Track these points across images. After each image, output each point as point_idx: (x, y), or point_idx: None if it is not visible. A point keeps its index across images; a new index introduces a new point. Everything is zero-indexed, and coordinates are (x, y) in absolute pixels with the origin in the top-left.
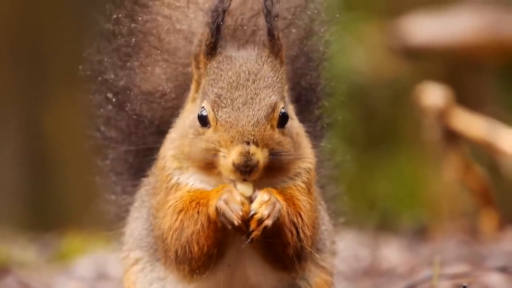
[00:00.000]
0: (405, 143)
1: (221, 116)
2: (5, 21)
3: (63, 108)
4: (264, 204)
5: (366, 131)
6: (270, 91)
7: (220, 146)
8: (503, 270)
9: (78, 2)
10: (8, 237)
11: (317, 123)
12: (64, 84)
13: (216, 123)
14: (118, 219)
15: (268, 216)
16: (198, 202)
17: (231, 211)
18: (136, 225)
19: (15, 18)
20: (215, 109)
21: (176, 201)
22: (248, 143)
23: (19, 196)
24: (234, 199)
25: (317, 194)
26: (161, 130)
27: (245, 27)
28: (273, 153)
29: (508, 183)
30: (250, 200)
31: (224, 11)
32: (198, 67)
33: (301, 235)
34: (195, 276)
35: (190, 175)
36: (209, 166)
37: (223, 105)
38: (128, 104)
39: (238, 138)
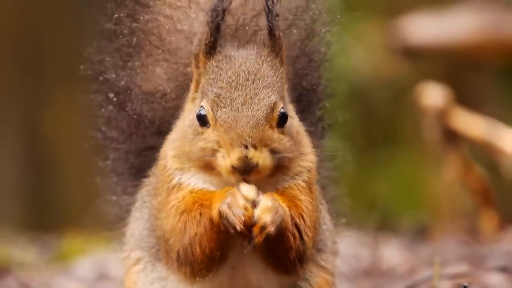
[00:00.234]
0: (405, 143)
1: (220, 116)
2: (5, 21)
3: (63, 108)
4: (267, 210)
5: (366, 131)
6: (269, 90)
7: (219, 146)
8: (503, 270)
9: (79, 2)
10: (8, 238)
11: (318, 124)
12: (64, 84)
13: (215, 123)
14: (119, 220)
15: (271, 223)
16: (201, 204)
17: (234, 215)
18: (137, 225)
19: (15, 18)
20: (214, 109)
21: (179, 202)
22: (246, 147)
23: (19, 197)
24: (237, 204)
25: (318, 193)
26: (162, 130)
27: (246, 27)
28: (272, 152)
29: (508, 183)
30: (254, 203)
31: (224, 10)
32: (197, 67)
33: (304, 237)
34: (197, 278)
35: (192, 175)
36: (208, 165)
37: (222, 105)
38: (129, 104)
39: (237, 141)
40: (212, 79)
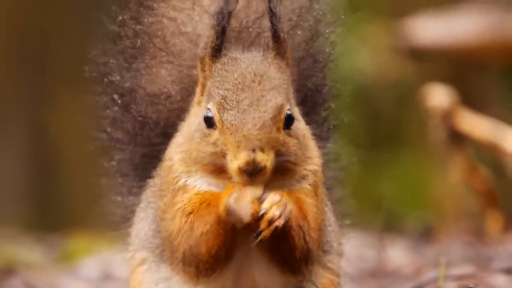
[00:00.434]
0: (410, 144)
1: (226, 119)
2: (11, 22)
3: (69, 109)
4: (275, 204)
5: (371, 132)
6: (276, 93)
7: (227, 149)
8: (508, 271)
9: (84, 4)
10: (14, 238)
11: (324, 125)
12: (70, 85)
13: (222, 125)
14: (124, 220)
15: (280, 216)
16: (208, 204)
17: (242, 208)
18: (142, 225)
19: (21, 19)
20: (221, 111)
21: (185, 204)
22: (254, 150)
23: (25, 197)
24: (244, 197)
25: (323, 196)
26: (167, 131)
27: (250, 29)
28: (279, 155)
29: None
30: (260, 201)
31: (229, 14)
32: (203, 70)
33: (307, 238)
34: (201, 278)
35: (197, 178)
36: (218, 169)
37: (228, 107)
38: (134, 106)
39: (244, 144)
40: (218, 81)
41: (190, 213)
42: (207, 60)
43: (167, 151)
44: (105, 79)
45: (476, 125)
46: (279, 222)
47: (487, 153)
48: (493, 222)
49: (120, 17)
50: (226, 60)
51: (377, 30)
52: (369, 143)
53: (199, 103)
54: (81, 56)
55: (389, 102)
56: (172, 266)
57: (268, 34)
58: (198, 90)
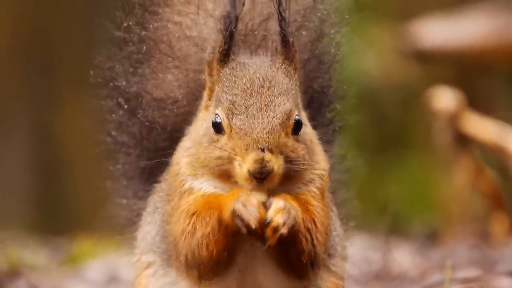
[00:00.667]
0: (416, 146)
1: (235, 124)
2: (16, 25)
3: (74, 111)
4: (279, 212)
5: (377, 135)
6: (284, 98)
7: (235, 154)
8: None
9: (89, 8)
10: (19, 240)
11: (329, 127)
12: (75, 88)
13: (231, 130)
14: (130, 223)
15: (284, 224)
16: (210, 206)
17: (249, 213)
18: (149, 229)
19: (27, 22)
20: (229, 116)
21: (190, 205)
22: (262, 150)
23: (30, 200)
24: (251, 202)
25: (329, 200)
26: (174, 136)
27: (255, 32)
28: (287, 161)
29: None
30: (265, 206)
31: (236, 18)
32: (211, 74)
33: (315, 241)
34: (203, 281)
35: (204, 181)
36: (224, 174)
37: (237, 112)
38: (140, 111)
39: (253, 145)
40: (227, 86)
41: (193, 214)
42: (215, 64)
43: (174, 156)
44: (110, 84)
45: (482, 127)
46: (284, 231)
47: (493, 155)
48: (499, 225)
49: (125, 23)
50: (234, 65)
51: (383, 32)
52: (374, 145)
53: (206, 107)
54: (86, 59)
55: (395, 105)
56: (177, 270)
57: (274, 37)
58: (205, 94)
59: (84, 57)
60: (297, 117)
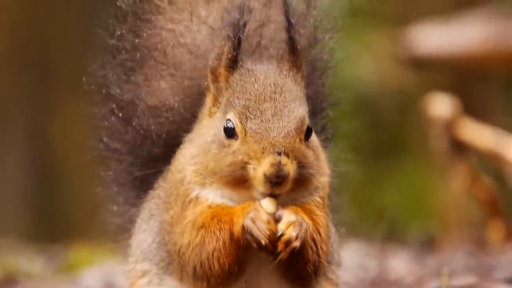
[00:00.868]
0: (412, 153)
1: (250, 128)
2: (13, 30)
3: (70, 118)
4: (291, 225)
5: (373, 141)
6: (297, 104)
7: (249, 158)
8: (510, 281)
9: (86, 14)
10: (15, 248)
11: (322, 134)
12: (71, 94)
13: (245, 135)
14: (122, 230)
15: (296, 237)
16: (220, 219)
17: (259, 230)
18: (144, 237)
19: (23, 28)
20: (243, 121)
21: (196, 217)
22: (279, 154)
23: (26, 207)
24: (260, 218)
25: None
26: (168, 143)
27: (249, 39)
28: (300, 166)
29: None
30: (274, 217)
31: (244, 24)
32: (216, 81)
33: (320, 251)
34: None
35: (211, 191)
36: (235, 180)
37: (252, 116)
38: (135, 119)
39: (269, 149)
40: (238, 92)
41: (201, 227)
42: (222, 71)
43: (174, 163)
44: (104, 92)
45: (478, 134)
46: (296, 244)
47: (489, 162)
48: (496, 232)
49: (118, 31)
50: (243, 71)
51: (380, 38)
52: (371, 151)
53: (210, 114)
54: (83, 65)
55: (392, 111)
56: (181, 280)
57: (267, 43)
58: (208, 101)
59: (80, 63)
60: (308, 123)
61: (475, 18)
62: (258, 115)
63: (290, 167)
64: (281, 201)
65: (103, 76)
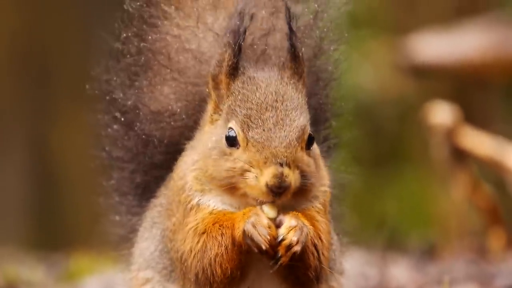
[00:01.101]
0: (412, 161)
1: (252, 137)
2: (14, 39)
3: (70, 126)
4: (292, 229)
5: (374, 149)
6: (298, 113)
7: (251, 167)
8: None
9: (87, 21)
10: (16, 257)
11: (324, 144)
12: (72, 102)
13: (247, 144)
14: (124, 239)
15: (297, 242)
16: (221, 225)
17: (259, 235)
18: (147, 245)
19: (24, 36)
20: (245, 130)
21: (198, 223)
22: (281, 165)
23: (27, 215)
24: (261, 223)
25: (329, 215)
26: (170, 150)
27: (254, 46)
28: (302, 175)
29: None
30: (275, 222)
31: (245, 31)
32: (217, 88)
33: (321, 257)
34: None
35: (211, 197)
36: (233, 187)
37: (253, 125)
38: (138, 124)
39: (272, 159)
40: (240, 100)
41: (203, 233)
42: (223, 78)
43: (176, 170)
44: (108, 97)
45: (479, 142)
46: (297, 248)
47: (490, 170)
48: (496, 240)
49: (124, 35)
50: (245, 79)
51: (380, 47)
52: (371, 160)
53: (212, 121)
54: (83, 73)
55: (392, 119)
56: (184, 287)
57: (280, 52)
58: (210, 107)
59: (80, 71)
60: (310, 132)
61: (475, 26)
62: (260, 124)
63: (292, 178)
64: (281, 207)
65: (106, 80)
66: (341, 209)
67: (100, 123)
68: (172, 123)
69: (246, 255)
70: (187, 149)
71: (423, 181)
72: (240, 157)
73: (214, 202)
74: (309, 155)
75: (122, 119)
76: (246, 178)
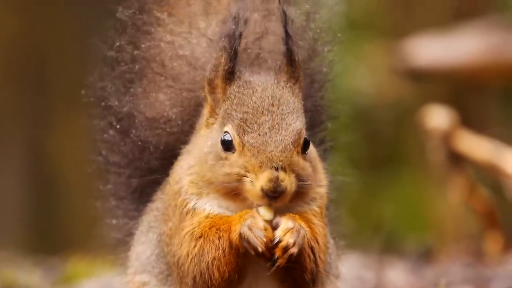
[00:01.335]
0: (409, 165)
1: (248, 141)
2: (11, 46)
3: (68, 131)
4: (289, 231)
5: (370, 153)
6: (294, 116)
7: (246, 171)
8: None
9: (83, 28)
10: (13, 261)
11: (320, 146)
12: (69, 108)
13: (243, 148)
14: (121, 244)
15: (294, 244)
16: (218, 228)
17: (255, 237)
18: (143, 249)
19: (21, 43)
20: (241, 134)
21: (194, 227)
22: (277, 169)
23: (24, 220)
24: (257, 225)
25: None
26: (166, 155)
27: (248, 50)
28: (298, 179)
29: None
30: (271, 224)
31: (240, 35)
32: (213, 92)
33: (318, 260)
34: None
35: (208, 201)
36: (232, 192)
37: (249, 130)
38: (133, 131)
39: (267, 164)
40: (236, 104)
41: (200, 237)
42: (219, 82)
43: (172, 174)
44: (103, 104)
45: (476, 146)
46: (294, 250)
47: (487, 173)
48: (493, 243)
49: (117, 43)
50: (241, 83)
51: (377, 50)
52: (368, 163)
53: (208, 125)
54: (80, 79)
55: (389, 123)
56: None
57: (266, 55)
58: (206, 111)
59: (78, 77)
60: (306, 136)
61: (472, 30)
62: (256, 128)
63: (287, 182)
64: (278, 209)
65: (102, 88)
66: (338, 212)
67: (96, 128)
68: (167, 129)
69: (243, 258)
70: (183, 154)
71: (420, 184)
72: (236, 161)
73: (210, 205)
74: (305, 159)
75: (118, 126)
76: (243, 183)
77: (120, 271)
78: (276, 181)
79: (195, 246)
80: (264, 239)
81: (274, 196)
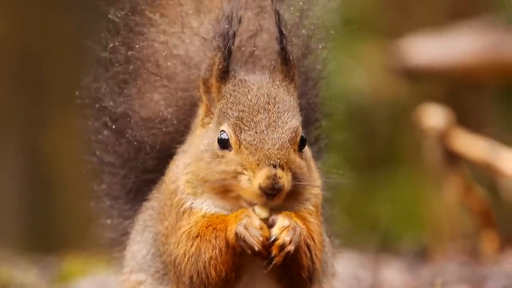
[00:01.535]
0: (405, 164)
1: (244, 139)
2: (6, 46)
3: (63, 130)
4: (285, 229)
5: (366, 152)
6: (290, 115)
7: (244, 169)
8: None
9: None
10: (9, 259)
11: (315, 144)
12: (64, 108)
13: (239, 146)
14: (116, 243)
15: (290, 242)
16: (215, 228)
17: (251, 236)
18: (139, 248)
19: (16, 43)
20: (237, 132)
21: (191, 227)
22: (274, 167)
23: (20, 219)
24: (253, 224)
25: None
26: (162, 155)
27: (242, 48)
28: (295, 178)
29: (508, 204)
30: (267, 222)
31: (234, 34)
32: (208, 92)
33: (314, 257)
34: None
35: (204, 200)
36: (226, 189)
37: (246, 128)
38: (129, 131)
39: (265, 161)
40: (231, 103)
41: (197, 236)
42: (214, 81)
43: (168, 174)
44: (97, 105)
45: (472, 145)
46: (290, 248)
47: (483, 173)
48: (489, 242)
49: (111, 44)
50: (236, 82)
51: (373, 49)
52: (364, 162)
53: (203, 124)
54: (76, 79)
55: (385, 122)
56: None
57: (261, 53)
58: (201, 111)
59: (73, 78)
60: (302, 134)
61: (468, 30)
62: (252, 126)
63: (285, 179)
64: (273, 208)
65: (96, 89)
66: (333, 211)
67: (91, 129)
68: (163, 129)
69: (240, 257)
70: (178, 153)
71: (416, 183)
72: (233, 159)
73: (207, 205)
74: (301, 157)
75: (113, 126)
76: (239, 181)
77: (116, 270)
78: (274, 178)
79: (192, 245)
80: (260, 238)
81: (271, 194)
